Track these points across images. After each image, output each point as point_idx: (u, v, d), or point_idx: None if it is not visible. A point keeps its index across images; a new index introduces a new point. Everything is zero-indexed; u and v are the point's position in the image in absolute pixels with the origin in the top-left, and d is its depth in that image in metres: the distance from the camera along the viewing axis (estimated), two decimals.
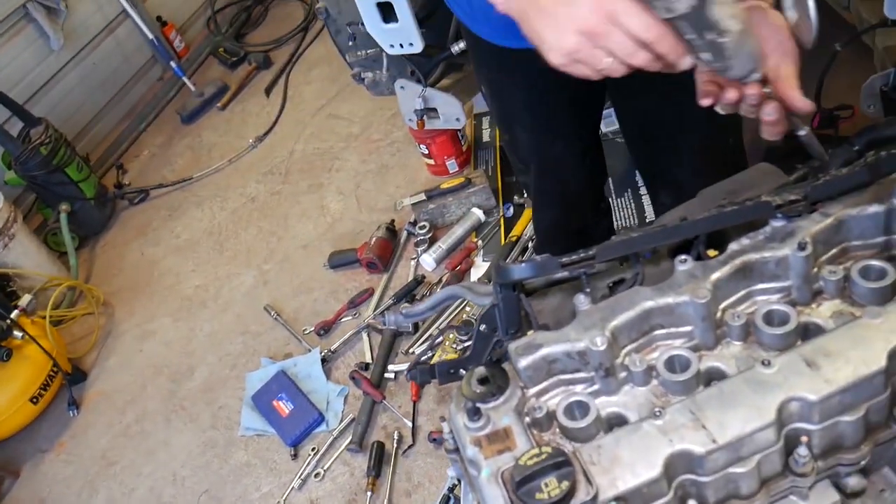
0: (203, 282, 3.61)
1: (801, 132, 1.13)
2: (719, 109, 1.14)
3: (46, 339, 3.14)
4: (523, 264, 1.01)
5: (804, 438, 0.87)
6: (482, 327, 1.09)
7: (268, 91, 4.74)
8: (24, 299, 3.23)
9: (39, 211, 4.24)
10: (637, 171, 2.98)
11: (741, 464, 0.86)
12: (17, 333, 3.00)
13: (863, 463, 0.91)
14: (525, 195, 3.08)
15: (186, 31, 5.49)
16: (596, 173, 2.06)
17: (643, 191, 2.97)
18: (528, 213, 3.03)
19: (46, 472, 3.06)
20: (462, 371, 1.09)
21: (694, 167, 1.81)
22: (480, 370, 0.99)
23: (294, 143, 4.22)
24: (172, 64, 4.92)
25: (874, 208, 0.98)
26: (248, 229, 3.78)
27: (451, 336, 2.70)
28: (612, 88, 1.80)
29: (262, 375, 2.93)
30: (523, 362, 0.96)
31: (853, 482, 0.93)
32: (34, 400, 3.09)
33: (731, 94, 1.08)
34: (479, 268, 2.97)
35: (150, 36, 4.85)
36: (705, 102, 1.12)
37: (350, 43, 2.77)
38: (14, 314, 3.05)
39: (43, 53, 4.49)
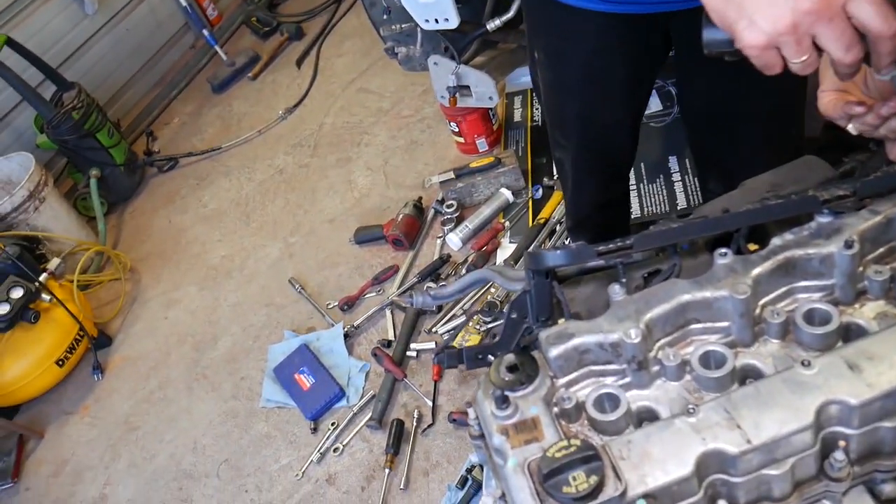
0: (229, 252, 3.62)
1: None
2: (852, 129, 1.05)
3: (73, 303, 3.17)
4: (558, 251, 0.98)
5: (842, 443, 0.84)
6: (513, 314, 1.07)
7: (299, 62, 4.72)
8: (53, 263, 3.26)
9: (70, 175, 4.28)
10: (674, 158, 2.95)
11: (775, 466, 0.84)
12: (45, 296, 3.03)
13: None
14: (556, 177, 3.04)
15: None
16: (634, 148, 2.03)
17: (676, 177, 2.92)
18: (556, 195, 3.00)
19: (70, 434, 3.10)
20: (490, 357, 1.07)
21: (751, 157, 1.77)
22: (510, 357, 0.97)
23: (324, 116, 4.20)
24: (205, 32, 4.91)
25: None
26: (276, 201, 3.78)
27: (475, 318, 2.69)
28: (680, 65, 1.76)
29: (285, 348, 2.94)
30: (554, 352, 0.94)
31: (889, 489, 0.90)
32: (60, 363, 3.13)
33: (885, 110, 0.98)
34: (506, 249, 2.94)
35: (184, 3, 4.85)
36: (843, 118, 1.04)
37: (384, 17, 2.74)
38: (43, 277, 3.09)
39: (77, 17, 4.51)
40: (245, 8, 5.38)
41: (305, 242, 3.47)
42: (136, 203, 4.23)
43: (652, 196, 2.90)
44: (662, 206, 2.86)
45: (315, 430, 2.69)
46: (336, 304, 3.06)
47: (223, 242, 3.70)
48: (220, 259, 3.61)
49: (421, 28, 2.55)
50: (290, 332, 3.05)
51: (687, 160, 2.93)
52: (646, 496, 0.82)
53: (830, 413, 0.84)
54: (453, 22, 2.33)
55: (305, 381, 2.79)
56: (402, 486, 2.42)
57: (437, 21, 2.36)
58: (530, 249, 2.78)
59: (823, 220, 0.96)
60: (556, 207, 2.96)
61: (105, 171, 4.01)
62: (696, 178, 2.84)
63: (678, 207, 2.83)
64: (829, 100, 1.08)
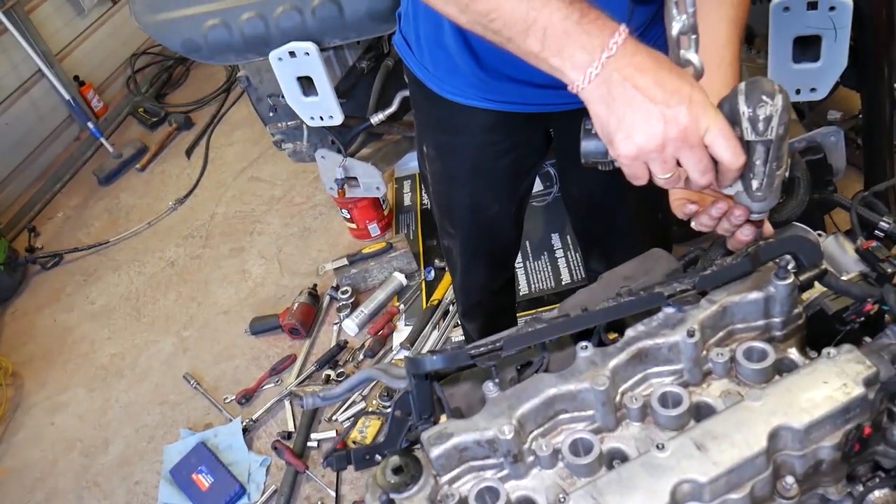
0: (119, 350, 3.52)
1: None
2: (695, 226, 1.20)
3: None
4: (435, 356, 1.05)
5: None
6: (397, 413, 1.13)
7: (188, 152, 4.71)
8: None
9: None
10: (556, 235, 3.11)
11: None
12: None
13: None
14: (445, 259, 3.14)
15: (105, 90, 5.43)
16: (520, 235, 2.15)
17: (559, 254, 3.08)
18: (448, 277, 3.09)
19: None
20: (378, 456, 1.11)
21: (624, 239, 1.92)
22: (395, 460, 1.01)
23: (215, 205, 4.19)
24: (90, 125, 4.84)
25: (755, 295, 1.07)
26: (167, 295, 3.72)
27: (373, 403, 2.71)
28: (560, 157, 1.89)
29: (181, 447, 2.86)
30: (435, 451, 0.99)
31: None
32: None
33: (715, 212, 1.14)
34: (402, 332, 3.00)
35: (67, 96, 4.77)
36: (684, 217, 1.20)
37: (271, 114, 2.81)
38: None
39: None
40: (132, 99, 5.35)
41: (200, 336, 3.41)
42: (17, 303, 4.05)
43: (538, 272, 3.04)
44: (548, 281, 3.00)
45: None
46: (233, 397, 3.01)
47: (113, 340, 3.59)
48: (110, 357, 3.50)
49: (307, 125, 2.63)
50: (187, 430, 2.97)
51: (569, 237, 3.10)
52: None
53: (684, 490, 0.92)
54: (338, 119, 2.42)
55: (204, 480, 2.71)
56: None
57: (321, 118, 2.44)
58: (410, 354, 2.84)
59: (669, 311, 1.07)
60: (448, 288, 3.05)
61: None
62: (577, 255, 3.00)
63: (563, 283, 2.97)
64: (675, 198, 1.22)
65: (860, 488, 0.94)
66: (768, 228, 1.19)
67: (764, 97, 0.97)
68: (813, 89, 2.01)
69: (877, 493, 0.95)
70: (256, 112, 2.97)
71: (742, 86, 0.99)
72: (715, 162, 1.02)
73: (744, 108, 0.98)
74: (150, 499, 2.80)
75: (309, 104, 2.42)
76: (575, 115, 1.33)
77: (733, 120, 0.99)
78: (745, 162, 1.01)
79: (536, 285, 3.00)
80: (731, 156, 0.99)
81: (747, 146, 1.01)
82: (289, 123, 2.81)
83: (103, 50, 5.45)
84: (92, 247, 4.21)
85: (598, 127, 1.03)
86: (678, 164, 1.02)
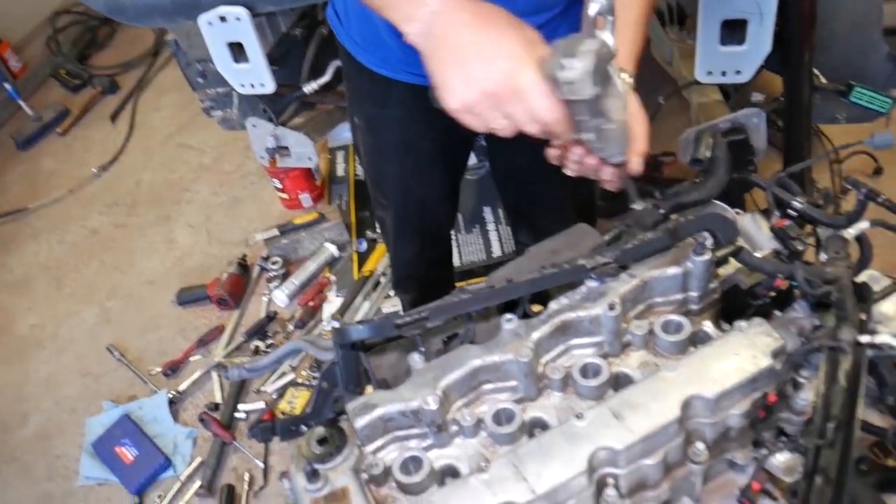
0: (39, 321, 3.40)
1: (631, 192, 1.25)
2: (568, 171, 1.27)
3: None
4: (361, 326, 1.05)
5: (611, 481, 0.96)
6: (323, 384, 1.13)
7: (113, 117, 4.54)
8: None
9: None
10: (488, 209, 3.14)
11: None
12: None
13: (664, 497, 1.02)
14: (378, 230, 3.14)
15: (24, 49, 5.16)
16: (454, 214, 2.15)
17: (491, 227, 3.11)
18: (381, 248, 3.09)
19: None
20: (304, 427, 1.11)
21: (551, 212, 1.95)
22: (320, 431, 1.02)
23: (141, 172, 4.07)
24: (7, 85, 4.61)
25: (673, 270, 1.11)
26: (90, 264, 3.60)
27: (303, 374, 2.71)
28: (489, 134, 1.89)
29: (104, 420, 2.80)
30: (360, 422, 1.00)
31: None
32: None
33: (574, 157, 1.22)
34: (332, 303, 2.98)
35: None
36: (554, 162, 1.26)
37: (200, 80, 2.73)
38: None
39: None
40: (53, 60, 5.11)
41: (124, 306, 3.33)
42: None
43: (469, 245, 3.06)
44: (479, 254, 3.03)
45: None
46: (159, 369, 2.95)
47: (32, 311, 3.47)
48: (30, 329, 3.38)
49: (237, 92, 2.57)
50: (110, 402, 2.91)
51: (500, 210, 3.13)
52: None
53: (601, 457, 0.96)
54: (269, 87, 2.37)
55: (128, 453, 2.67)
56: None
57: (252, 86, 2.39)
58: (328, 324, 2.84)
59: (591, 284, 1.10)
60: (380, 259, 3.05)
61: None
62: (508, 228, 3.04)
63: (493, 255, 3.01)
64: (551, 149, 1.27)
65: (765, 453, 0.99)
66: (634, 168, 1.23)
67: (572, 59, 0.97)
68: (738, 72, 2.07)
69: (780, 457, 1.01)
70: (185, 77, 2.88)
71: (558, 43, 1.00)
72: None
73: (555, 70, 0.99)
74: (72, 472, 2.74)
75: (239, 71, 2.36)
76: None
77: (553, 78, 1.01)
78: (562, 117, 1.03)
79: (468, 258, 3.03)
80: (545, 112, 1.01)
81: (568, 103, 1.03)
82: (218, 90, 2.74)
83: (22, 6, 5.17)
84: (9, 213, 4.04)
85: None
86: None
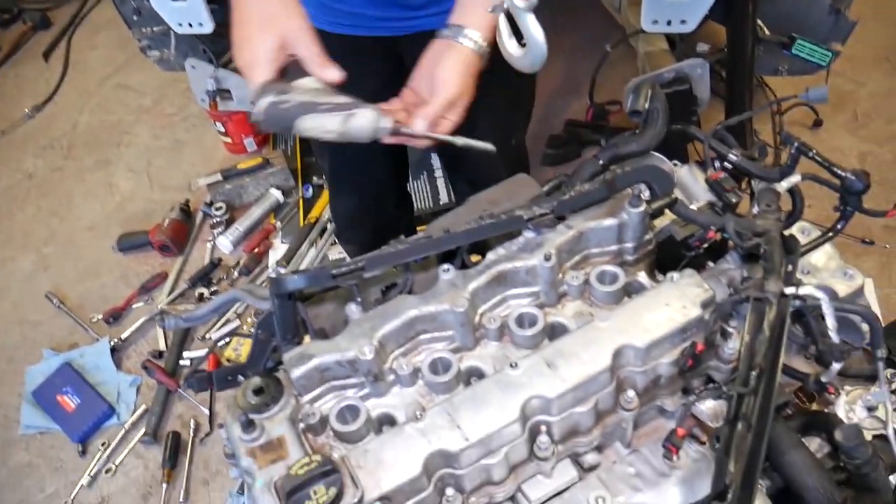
0: None
1: (458, 142, 1.31)
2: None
3: None
4: (297, 276, 1.04)
5: (543, 428, 0.99)
6: (260, 333, 1.12)
7: (46, 55, 4.35)
8: None
9: None
10: (434, 155, 3.12)
11: (492, 456, 0.97)
12: None
13: (596, 443, 1.05)
14: (324, 177, 3.10)
15: None
16: (398, 169, 2.12)
17: (438, 174, 3.09)
18: (326, 194, 3.06)
19: None
20: (240, 377, 1.11)
21: (483, 164, 1.93)
22: (255, 381, 1.02)
23: (78, 114, 3.92)
24: None
25: (609, 221, 1.12)
26: (25, 209, 3.49)
27: (248, 321, 2.69)
28: None
29: (45, 369, 2.75)
30: (297, 372, 1.00)
31: (589, 458, 1.07)
32: None
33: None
34: (278, 250, 2.96)
35: None
36: None
37: (135, 17, 2.62)
38: None
39: None
40: None
41: (63, 253, 3.24)
42: None
43: (417, 192, 3.05)
44: (427, 201, 3.02)
45: (84, 452, 2.56)
46: (101, 316, 2.90)
47: None
48: None
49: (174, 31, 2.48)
50: (50, 350, 2.85)
51: None
52: (381, 499, 0.91)
53: (533, 406, 0.98)
54: (207, 27, 2.29)
55: (70, 401, 2.63)
56: (181, 499, 2.38)
57: (190, 25, 2.30)
58: (271, 273, 2.81)
59: (529, 235, 1.11)
60: (326, 206, 3.01)
61: None
62: None
63: (441, 202, 3.00)
64: None
65: (692, 400, 1.02)
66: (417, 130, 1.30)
67: (260, 100, 1.26)
68: (683, 21, 2.07)
69: (708, 404, 1.04)
70: (120, 14, 2.76)
71: (267, 84, 1.28)
72: None
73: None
74: (13, 422, 2.70)
75: (176, 9, 2.27)
76: (421, 40, 1.34)
77: None
78: None
79: (416, 205, 3.01)
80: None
81: None
82: (155, 29, 2.64)
83: None
84: None
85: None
86: None
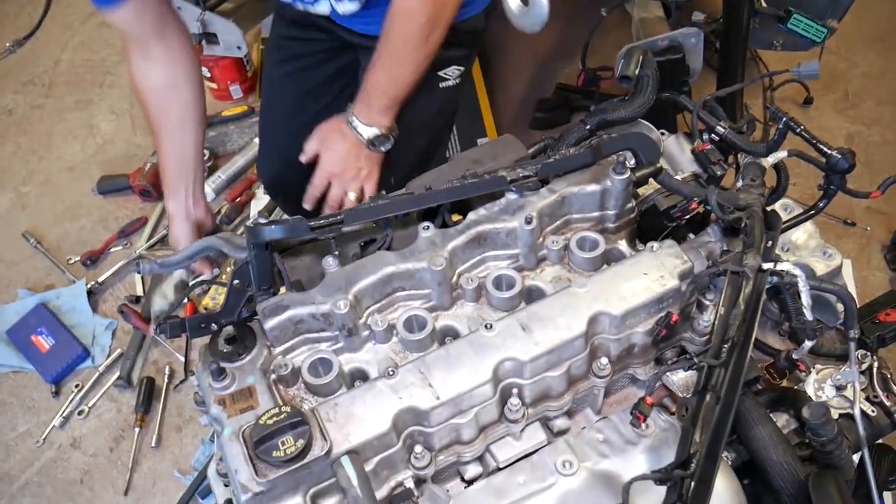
0: None
1: None
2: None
3: None
4: (275, 226, 1.03)
5: (515, 391, 0.99)
6: (236, 283, 1.11)
7: None
8: None
9: None
10: None
11: (462, 415, 0.97)
12: None
13: (566, 408, 1.06)
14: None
15: None
16: None
17: None
18: None
19: None
20: (213, 325, 1.10)
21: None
22: (228, 330, 1.01)
23: (60, 51, 3.82)
24: None
25: (592, 187, 1.12)
26: (4, 146, 3.41)
27: (227, 270, 2.66)
28: None
29: (19, 308, 2.72)
30: (270, 323, 1.00)
31: (559, 423, 1.08)
32: None
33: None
34: (261, 200, 2.92)
35: None
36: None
37: None
38: None
39: None
40: None
41: (41, 192, 3.18)
42: None
43: None
44: None
45: (57, 393, 2.54)
46: (78, 259, 2.86)
47: None
48: None
49: None
50: (25, 290, 2.81)
51: None
52: (349, 452, 0.92)
53: (506, 368, 0.98)
54: None
55: (44, 342, 2.61)
56: (153, 444, 2.38)
57: None
58: (250, 223, 2.77)
59: (511, 197, 1.10)
60: None
61: None
62: None
63: None
64: None
65: (664, 369, 1.03)
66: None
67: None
68: None
69: (680, 374, 1.05)
70: None
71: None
72: None
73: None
74: None
75: None
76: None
77: None
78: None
79: None
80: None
81: None
82: None
83: None
84: None
85: None
86: None
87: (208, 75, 3.17)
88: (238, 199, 2.91)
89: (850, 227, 2.54)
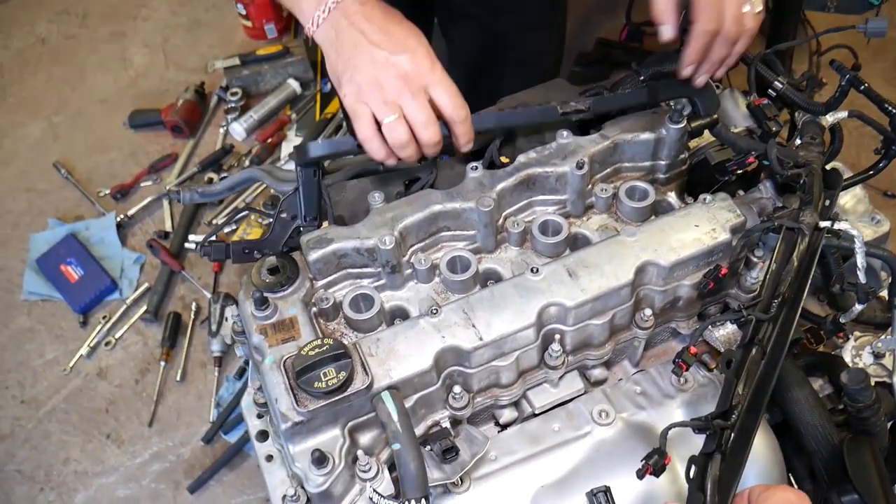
0: None
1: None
2: None
3: None
4: (321, 142, 1.02)
5: (557, 337, 0.98)
6: (283, 213, 1.10)
7: None
8: None
9: None
10: None
11: (503, 358, 0.96)
12: None
13: (605, 358, 1.05)
14: None
15: None
16: None
17: None
18: None
19: None
20: (257, 253, 1.09)
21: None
22: (271, 260, 1.00)
23: None
24: None
25: (646, 135, 1.09)
26: (37, 75, 3.41)
27: (258, 207, 2.67)
28: (441, 12, 1.82)
29: (49, 238, 2.74)
30: (313, 255, 0.99)
31: (597, 373, 1.07)
32: None
33: None
34: (291, 142, 2.90)
35: None
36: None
37: None
38: None
39: None
40: None
41: (73, 123, 3.18)
42: None
43: None
44: None
45: (84, 323, 2.57)
46: (108, 191, 2.87)
47: None
48: None
49: None
50: (56, 220, 2.83)
51: None
52: (390, 388, 0.91)
53: (551, 313, 0.97)
54: None
55: (73, 272, 2.64)
56: (178, 379, 2.41)
57: None
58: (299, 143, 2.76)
59: (563, 141, 1.07)
60: None
61: None
62: None
63: None
64: None
65: (708, 322, 1.01)
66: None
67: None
68: None
69: (722, 330, 1.03)
70: None
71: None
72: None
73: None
74: (15, 286, 2.71)
75: None
76: None
77: None
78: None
79: None
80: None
81: None
82: None
83: None
84: None
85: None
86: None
87: (244, 13, 3.13)
88: (269, 140, 2.90)
89: (889, 198, 2.49)
